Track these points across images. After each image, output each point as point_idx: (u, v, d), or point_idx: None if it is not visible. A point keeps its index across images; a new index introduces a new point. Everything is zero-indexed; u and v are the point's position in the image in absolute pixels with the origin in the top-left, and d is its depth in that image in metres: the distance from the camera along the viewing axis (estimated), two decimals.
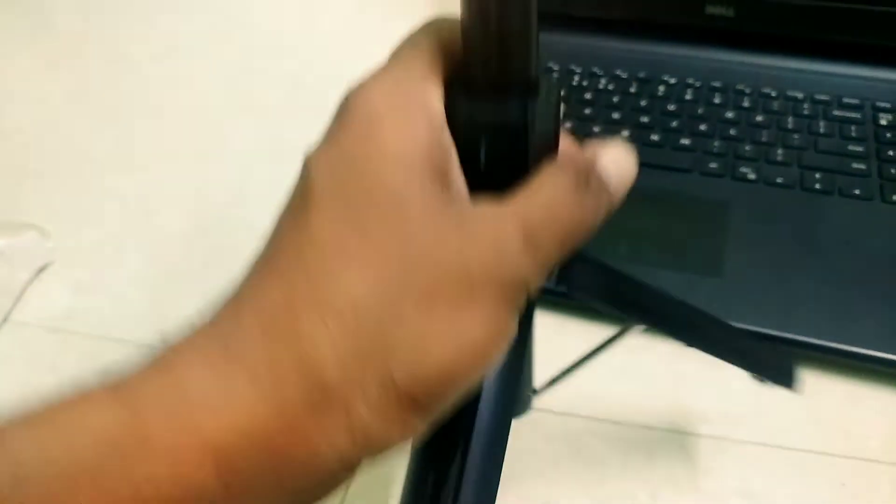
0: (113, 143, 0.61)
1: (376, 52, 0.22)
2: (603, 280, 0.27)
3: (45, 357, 0.45)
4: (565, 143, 0.21)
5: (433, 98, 0.19)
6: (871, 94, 0.55)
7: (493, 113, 0.19)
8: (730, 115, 0.55)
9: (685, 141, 0.53)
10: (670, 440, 0.38)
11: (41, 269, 0.50)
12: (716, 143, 0.52)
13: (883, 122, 0.52)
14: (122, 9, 0.77)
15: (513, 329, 0.19)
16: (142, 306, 0.47)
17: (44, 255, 0.50)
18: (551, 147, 0.21)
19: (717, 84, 0.57)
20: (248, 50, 0.70)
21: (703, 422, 0.39)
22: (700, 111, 0.55)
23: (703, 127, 0.54)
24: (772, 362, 0.36)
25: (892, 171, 0.49)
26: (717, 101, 0.56)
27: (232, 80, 0.67)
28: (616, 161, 0.20)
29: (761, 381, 0.34)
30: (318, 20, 0.73)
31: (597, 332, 0.38)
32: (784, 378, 0.35)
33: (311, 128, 0.62)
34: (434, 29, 0.20)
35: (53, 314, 0.47)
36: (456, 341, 0.17)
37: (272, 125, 0.61)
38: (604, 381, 0.40)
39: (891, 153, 0.50)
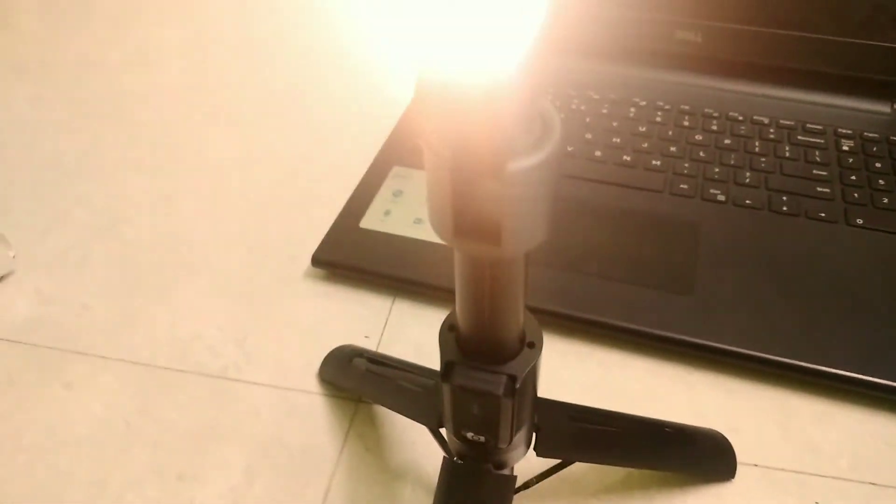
0: (80, 150, 0.59)
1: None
2: (568, 441, 0.32)
3: (4, 371, 0.43)
4: None
5: None
6: (834, 120, 0.57)
7: (484, 383, 0.23)
8: (699, 137, 0.56)
9: (656, 162, 0.54)
10: None
11: (2, 279, 0.48)
12: (686, 165, 0.53)
13: (845, 148, 0.54)
14: (90, 10, 0.75)
15: None
16: (107, 318, 0.46)
17: (5, 264, 0.48)
18: (534, 395, 0.27)
19: (685, 107, 0.59)
20: (221, 57, 0.70)
21: None
22: (670, 133, 0.56)
23: (673, 149, 0.55)
24: (714, 457, 0.38)
25: (855, 195, 0.50)
26: (686, 123, 0.57)
27: (205, 89, 0.66)
28: None
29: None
30: (294, 34, 0.73)
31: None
32: (726, 471, 0.37)
33: (286, 137, 0.61)
34: None
35: (14, 325, 0.45)
36: None
37: (246, 134, 0.60)
38: (577, 398, 0.40)
39: (853, 178, 0.52)
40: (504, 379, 0.23)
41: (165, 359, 0.43)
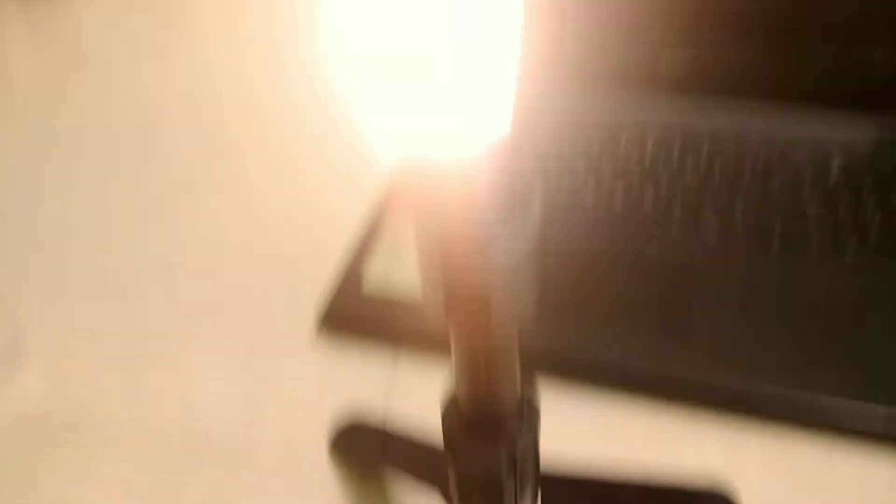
0: (84, 212, 0.60)
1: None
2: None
3: (20, 452, 0.43)
4: None
5: None
6: (821, 154, 0.57)
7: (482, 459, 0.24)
8: (690, 179, 0.55)
9: (647, 207, 0.54)
10: None
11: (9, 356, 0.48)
12: (676, 209, 0.53)
13: (833, 182, 0.54)
14: (93, 63, 0.76)
15: None
16: (122, 388, 0.46)
17: (12, 338, 0.49)
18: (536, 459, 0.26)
19: (675, 145, 0.58)
20: (216, 116, 0.70)
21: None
22: (659, 173, 0.56)
23: (663, 193, 0.55)
24: None
25: (845, 230, 0.50)
26: (675, 163, 0.56)
27: (209, 147, 0.66)
28: None
29: None
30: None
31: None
32: None
33: (287, 198, 0.62)
34: None
35: (28, 403, 0.46)
36: None
37: (247, 193, 0.61)
38: (577, 447, 0.40)
39: (841, 213, 0.52)
40: (503, 455, 0.24)
41: (178, 435, 0.43)
